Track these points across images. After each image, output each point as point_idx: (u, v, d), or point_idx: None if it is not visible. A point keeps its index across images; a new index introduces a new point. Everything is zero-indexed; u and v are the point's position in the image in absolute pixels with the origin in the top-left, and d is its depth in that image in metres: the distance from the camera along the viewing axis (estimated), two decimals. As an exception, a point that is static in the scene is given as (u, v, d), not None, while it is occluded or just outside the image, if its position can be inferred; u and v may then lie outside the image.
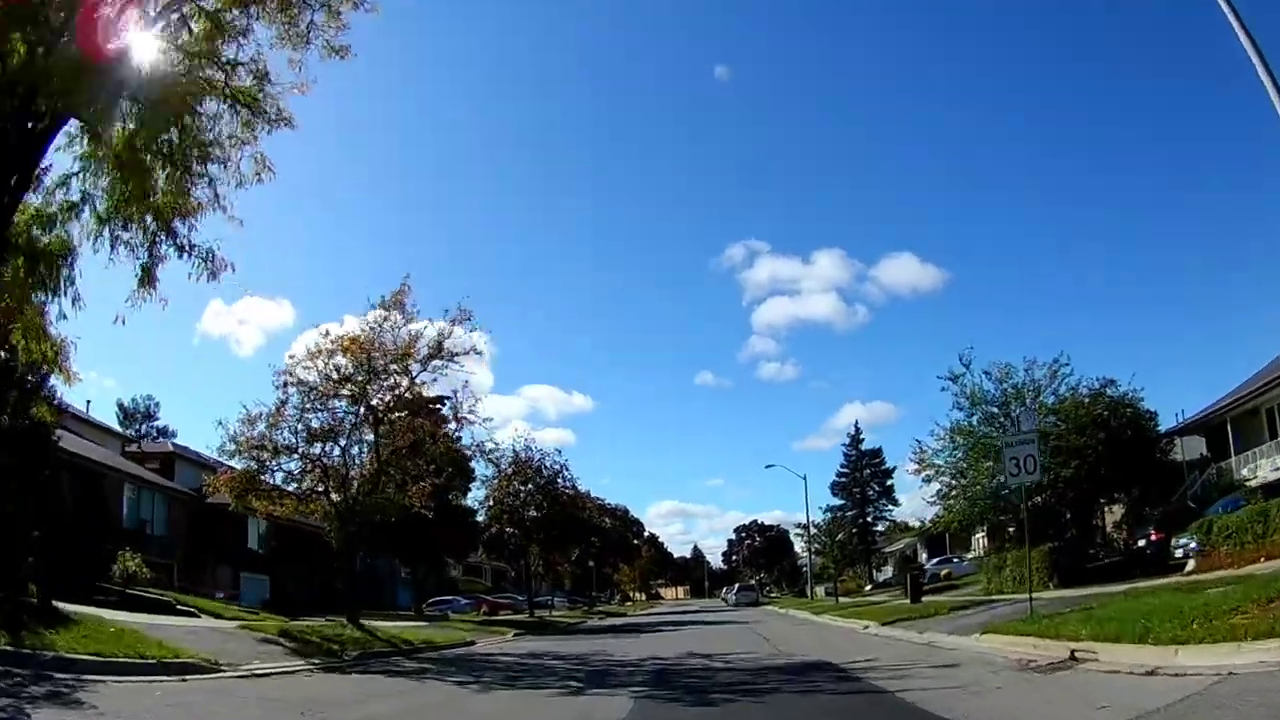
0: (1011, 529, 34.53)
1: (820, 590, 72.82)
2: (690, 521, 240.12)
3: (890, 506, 77.19)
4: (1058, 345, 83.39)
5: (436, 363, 23.96)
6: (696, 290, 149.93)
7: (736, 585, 68.31)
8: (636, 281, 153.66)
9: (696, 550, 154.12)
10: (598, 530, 62.16)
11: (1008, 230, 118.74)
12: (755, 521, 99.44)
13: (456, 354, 23.98)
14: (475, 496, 46.48)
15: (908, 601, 32.01)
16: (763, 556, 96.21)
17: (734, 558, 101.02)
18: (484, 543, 46.82)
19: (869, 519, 76.37)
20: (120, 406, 69.91)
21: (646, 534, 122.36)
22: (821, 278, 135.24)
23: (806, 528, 59.01)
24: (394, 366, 23.45)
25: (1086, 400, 32.62)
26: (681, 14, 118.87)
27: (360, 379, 23.32)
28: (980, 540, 63.83)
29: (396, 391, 24.20)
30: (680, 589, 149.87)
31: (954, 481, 34.25)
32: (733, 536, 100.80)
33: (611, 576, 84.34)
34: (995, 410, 33.10)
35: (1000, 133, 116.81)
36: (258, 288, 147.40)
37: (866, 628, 23.44)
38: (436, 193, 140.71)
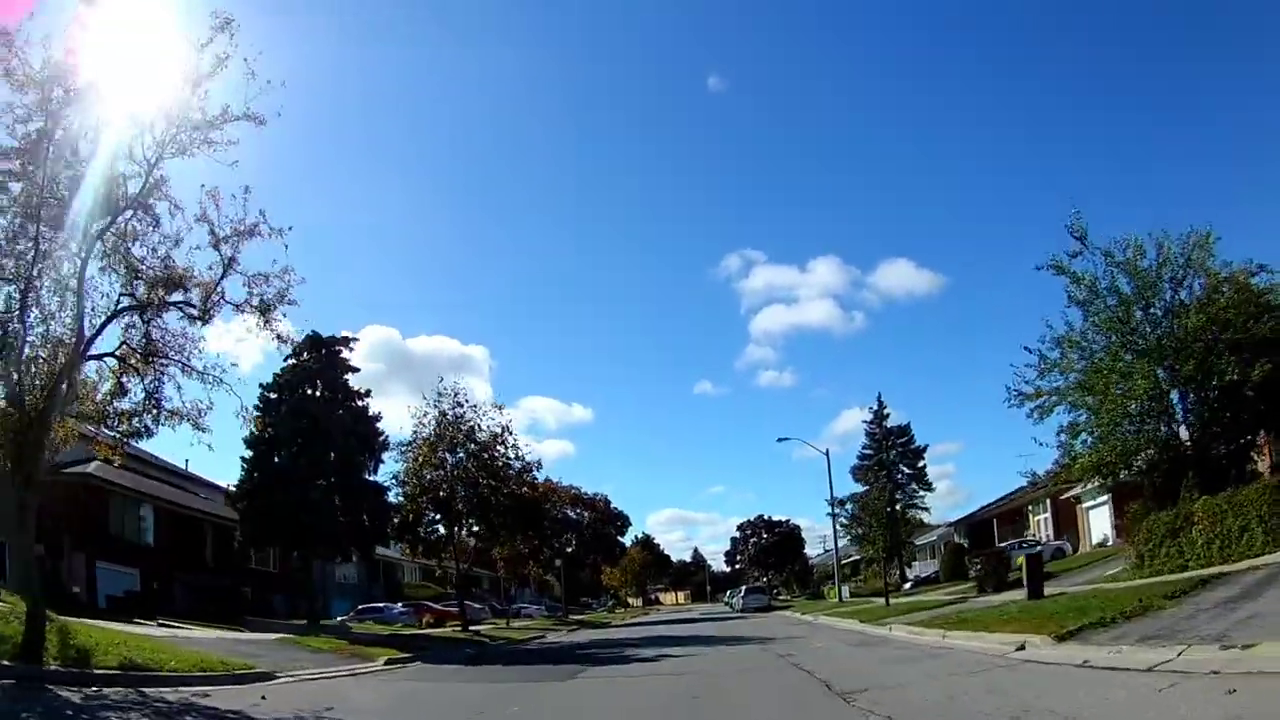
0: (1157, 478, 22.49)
1: (844, 590, 60.81)
2: (692, 529, 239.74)
3: (922, 492, 65.07)
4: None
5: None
6: (694, 300, 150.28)
7: (744, 587, 56.60)
8: (634, 293, 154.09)
9: (697, 553, 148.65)
10: (568, 524, 50.45)
11: (1003, 234, 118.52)
12: (762, 517, 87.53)
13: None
14: (390, 470, 34.49)
15: (1016, 599, 20.11)
16: (771, 555, 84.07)
17: (738, 557, 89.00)
18: (393, 529, 34.69)
19: (898, 506, 64.36)
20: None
21: (641, 534, 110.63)
22: (818, 285, 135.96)
23: (834, 508, 47.62)
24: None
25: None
26: (675, 24, 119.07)
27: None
28: (1043, 521, 51.99)
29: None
30: (680, 593, 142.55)
31: (1082, 408, 22.33)
32: (736, 534, 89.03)
33: (593, 579, 72.06)
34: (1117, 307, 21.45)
35: (995, 137, 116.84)
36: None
37: (1021, 649, 11.52)
38: (433, 204, 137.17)
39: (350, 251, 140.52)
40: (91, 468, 27.54)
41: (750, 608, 54.43)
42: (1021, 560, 24.83)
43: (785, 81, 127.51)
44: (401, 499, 34.35)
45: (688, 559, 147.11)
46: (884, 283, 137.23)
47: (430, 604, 46.92)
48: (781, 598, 76.63)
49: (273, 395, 31.44)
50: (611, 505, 54.85)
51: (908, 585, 54.88)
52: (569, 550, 52.73)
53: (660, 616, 66.04)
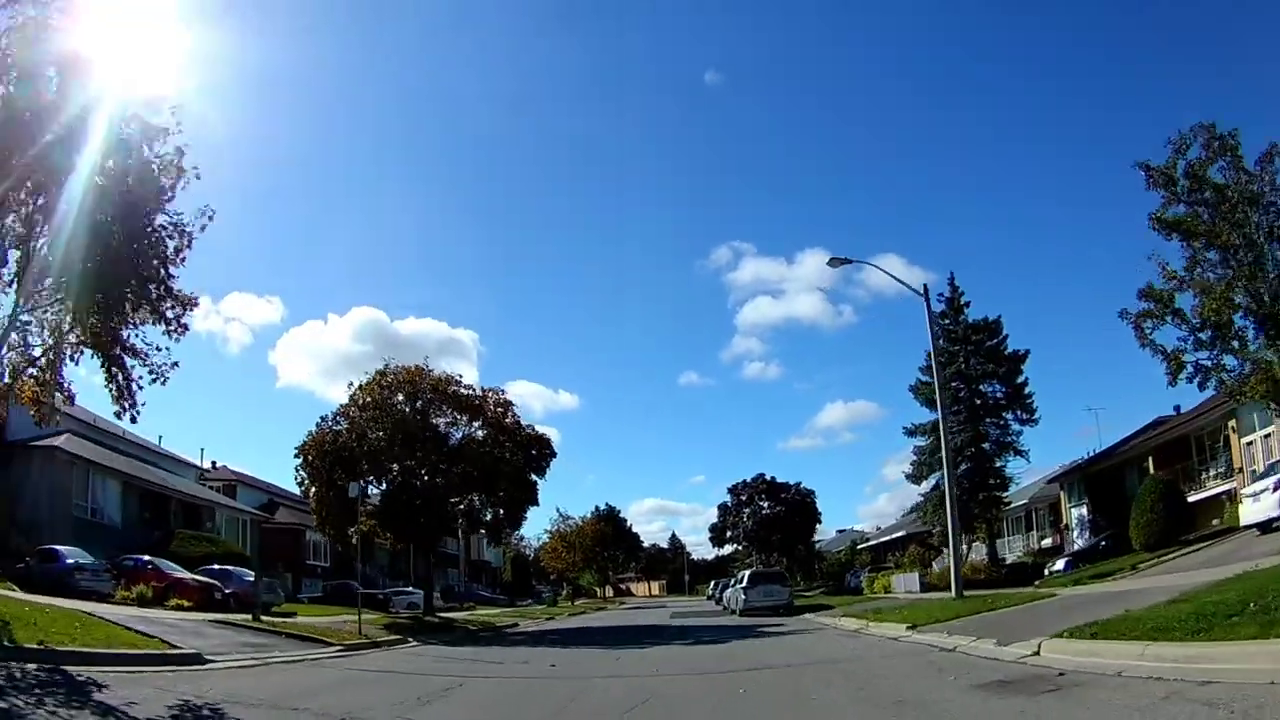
0: None
1: (911, 580, 37.83)
2: (673, 519, 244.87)
3: (1020, 427, 42.16)
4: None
5: None
6: (683, 291, 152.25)
7: (745, 574, 33.10)
8: (624, 282, 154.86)
9: (675, 539, 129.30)
10: (437, 439, 27.96)
11: (994, 233, 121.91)
12: (762, 477, 63.67)
13: None
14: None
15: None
16: (775, 530, 60.44)
17: (728, 533, 65.10)
18: None
19: (988, 447, 41.54)
20: None
21: (604, 505, 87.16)
22: (806, 278, 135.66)
23: (938, 393, 24.12)
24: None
25: None
26: (675, 20, 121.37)
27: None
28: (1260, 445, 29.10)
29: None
30: (654, 583, 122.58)
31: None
32: (727, 499, 64.62)
33: (501, 544, 47.55)
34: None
35: (987, 135, 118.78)
36: (248, 285, 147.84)
37: None
38: (424, 191, 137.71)
39: (339, 233, 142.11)
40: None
41: (758, 606, 31.24)
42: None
43: (781, 78, 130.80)
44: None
45: (664, 545, 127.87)
46: (873, 279, 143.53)
47: (178, 572, 24.68)
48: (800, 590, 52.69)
49: None
50: (520, 419, 31.43)
51: (1058, 567, 31.92)
52: (422, 481, 29.39)
53: (611, 615, 42.59)
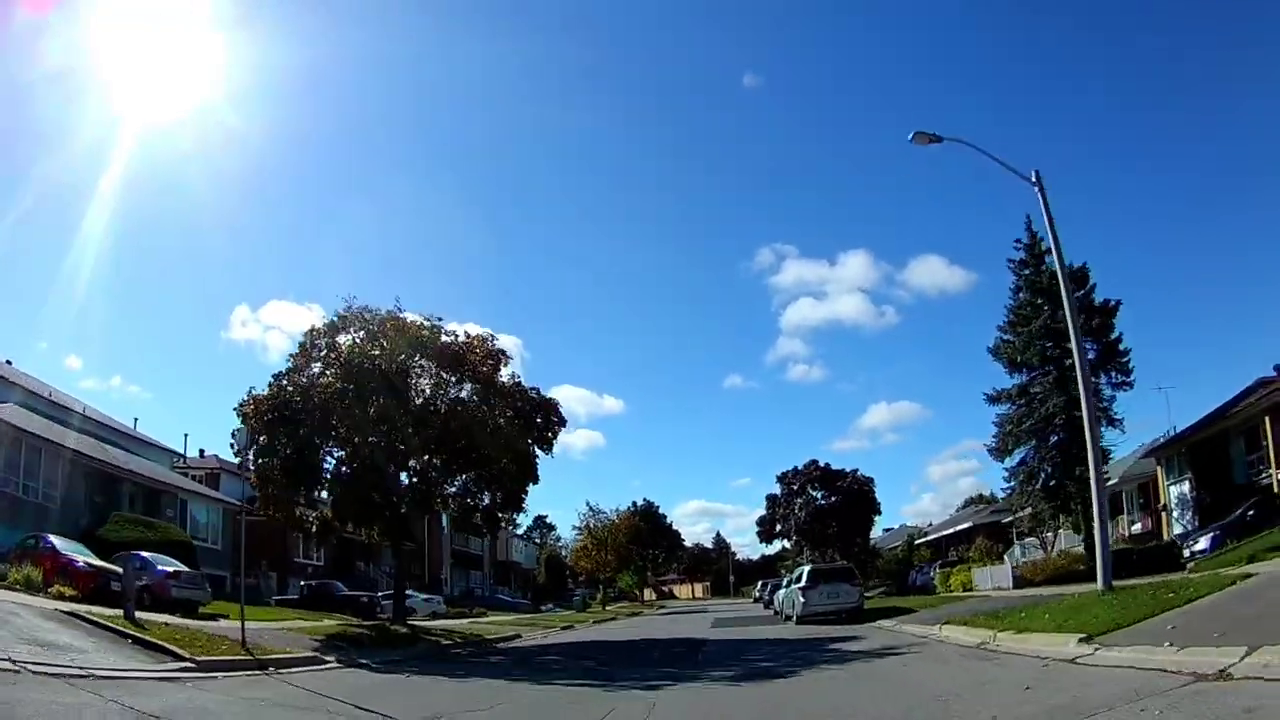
0: None
1: (1003, 572, 31.29)
2: (718, 520, 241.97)
3: (1114, 391, 34.99)
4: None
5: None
6: (726, 294, 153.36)
7: (805, 571, 26.95)
8: (667, 287, 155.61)
9: (720, 539, 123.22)
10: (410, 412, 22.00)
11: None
12: (815, 463, 56.33)
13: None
14: None
15: None
16: (830, 522, 53.38)
17: (777, 526, 58.18)
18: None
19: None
20: None
21: (642, 501, 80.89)
22: (849, 280, 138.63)
23: (1069, 315, 17.84)
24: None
25: None
26: (711, 23, 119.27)
27: None
28: None
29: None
30: (697, 585, 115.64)
31: None
32: (776, 490, 57.64)
33: (488, 533, 40.93)
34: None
35: (1024, 133, 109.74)
36: (288, 293, 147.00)
37: None
38: (467, 198, 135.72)
39: (378, 241, 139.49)
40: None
41: (821, 611, 24.73)
42: None
43: (819, 79, 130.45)
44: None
45: (708, 545, 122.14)
46: (915, 279, 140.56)
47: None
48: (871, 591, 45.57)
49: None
50: (520, 380, 25.33)
51: (1201, 546, 25.06)
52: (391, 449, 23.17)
53: (634, 627, 36.54)
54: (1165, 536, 33.54)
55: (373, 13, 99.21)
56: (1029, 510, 35.32)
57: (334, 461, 22.95)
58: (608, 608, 58.16)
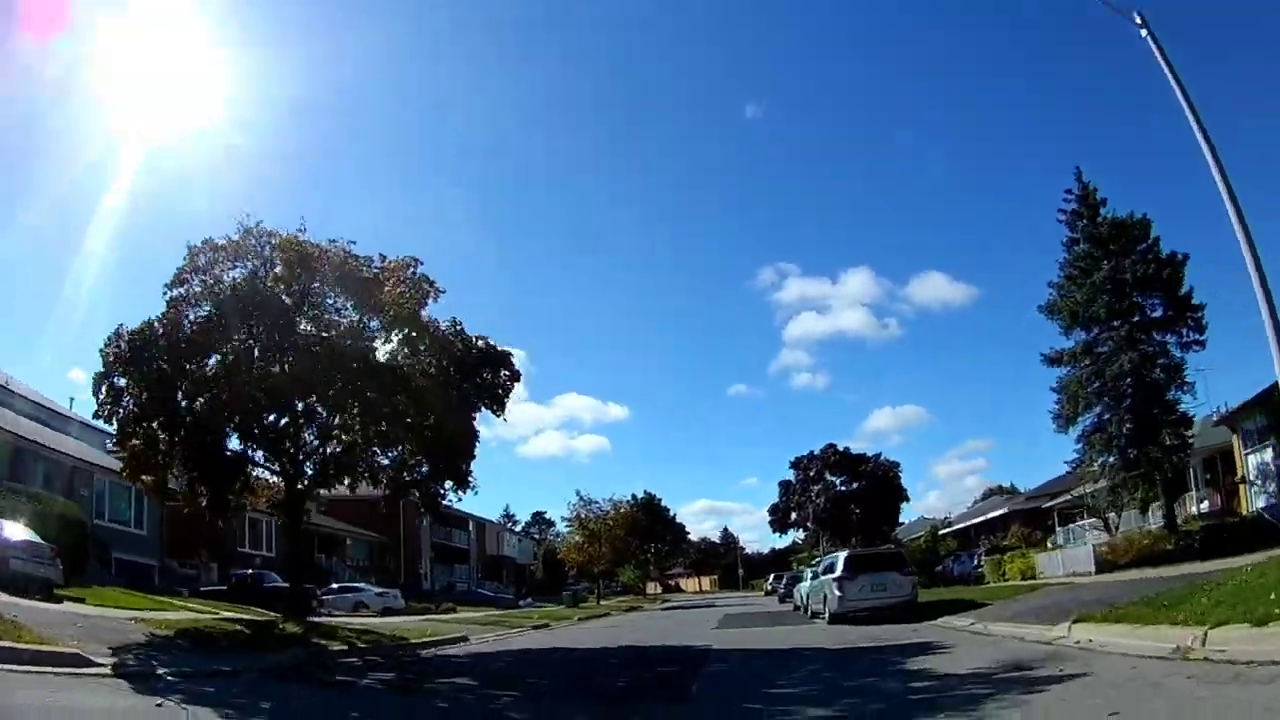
0: None
1: (1078, 556, 25.29)
2: (724, 518, 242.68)
3: (1184, 352, 29.56)
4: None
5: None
6: (730, 311, 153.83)
7: (841, 557, 21.25)
8: (672, 304, 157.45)
9: (728, 532, 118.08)
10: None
11: (1036, 246, 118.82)
12: (834, 447, 49.59)
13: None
14: None
15: None
16: (856, 507, 46.72)
17: (792, 515, 51.58)
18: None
19: (1156, 372, 28.72)
20: None
21: (642, 493, 74.79)
22: (851, 296, 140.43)
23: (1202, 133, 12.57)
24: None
25: None
26: (713, 56, 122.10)
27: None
28: None
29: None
30: (705, 579, 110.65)
31: None
32: (790, 477, 50.99)
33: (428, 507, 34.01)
34: None
35: (1026, 153, 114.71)
36: None
37: None
38: (475, 213, 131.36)
39: (382, 251, 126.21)
40: None
41: (864, 607, 18.60)
42: None
43: (819, 109, 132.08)
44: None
45: (715, 540, 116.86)
46: (918, 295, 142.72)
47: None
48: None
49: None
50: (462, 326, 19.50)
51: None
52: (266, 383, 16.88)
53: (623, 627, 30.63)
54: (1244, 511, 29.25)
55: (376, 33, 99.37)
56: (1104, 484, 29.29)
57: (189, 404, 16.76)
58: (603, 603, 52.02)
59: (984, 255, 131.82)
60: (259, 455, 18.18)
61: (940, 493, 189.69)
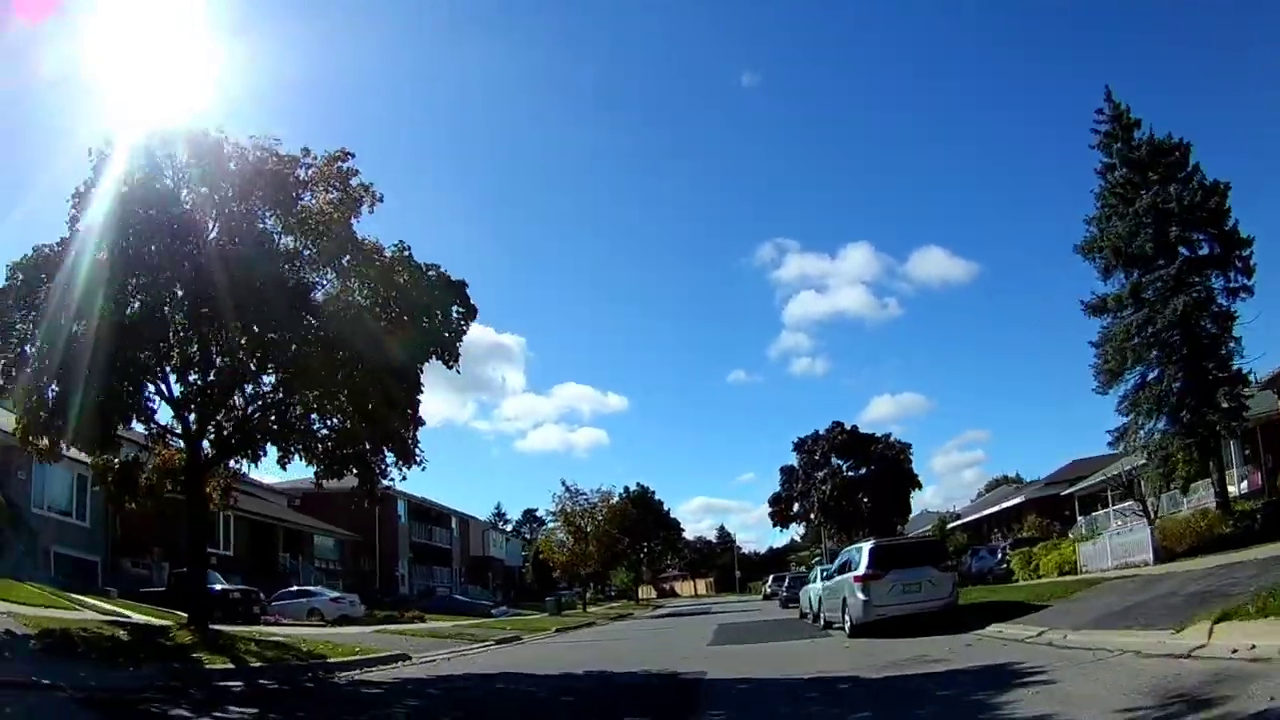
0: None
1: (1137, 540, 21.65)
2: (721, 516, 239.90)
3: (1230, 299, 25.99)
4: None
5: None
6: (728, 289, 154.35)
7: (865, 549, 18.03)
8: (669, 284, 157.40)
9: (724, 531, 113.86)
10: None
11: (1038, 221, 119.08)
12: (840, 426, 45.59)
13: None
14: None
15: None
16: (865, 495, 42.93)
17: (795, 505, 47.86)
18: None
19: (1206, 323, 25.34)
20: None
21: (635, 485, 70.98)
22: (850, 273, 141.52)
23: None
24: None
25: None
26: (707, 25, 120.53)
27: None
28: None
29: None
30: (701, 581, 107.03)
31: None
32: (793, 462, 47.06)
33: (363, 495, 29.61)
34: None
35: (1023, 126, 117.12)
36: None
37: None
38: (465, 199, 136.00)
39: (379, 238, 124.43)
40: None
41: (895, 615, 14.98)
42: None
43: (817, 77, 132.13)
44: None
45: (711, 539, 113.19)
46: (918, 271, 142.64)
47: None
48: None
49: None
50: (410, 252, 15.81)
51: None
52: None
53: (603, 642, 26.96)
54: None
55: (372, 21, 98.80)
56: (1158, 454, 25.68)
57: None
58: (590, 609, 48.17)
59: (984, 228, 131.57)
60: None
61: (937, 488, 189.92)
